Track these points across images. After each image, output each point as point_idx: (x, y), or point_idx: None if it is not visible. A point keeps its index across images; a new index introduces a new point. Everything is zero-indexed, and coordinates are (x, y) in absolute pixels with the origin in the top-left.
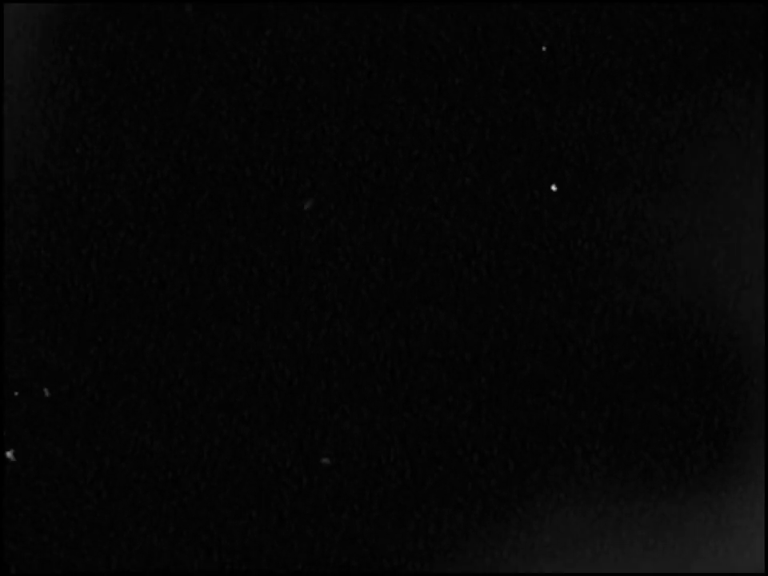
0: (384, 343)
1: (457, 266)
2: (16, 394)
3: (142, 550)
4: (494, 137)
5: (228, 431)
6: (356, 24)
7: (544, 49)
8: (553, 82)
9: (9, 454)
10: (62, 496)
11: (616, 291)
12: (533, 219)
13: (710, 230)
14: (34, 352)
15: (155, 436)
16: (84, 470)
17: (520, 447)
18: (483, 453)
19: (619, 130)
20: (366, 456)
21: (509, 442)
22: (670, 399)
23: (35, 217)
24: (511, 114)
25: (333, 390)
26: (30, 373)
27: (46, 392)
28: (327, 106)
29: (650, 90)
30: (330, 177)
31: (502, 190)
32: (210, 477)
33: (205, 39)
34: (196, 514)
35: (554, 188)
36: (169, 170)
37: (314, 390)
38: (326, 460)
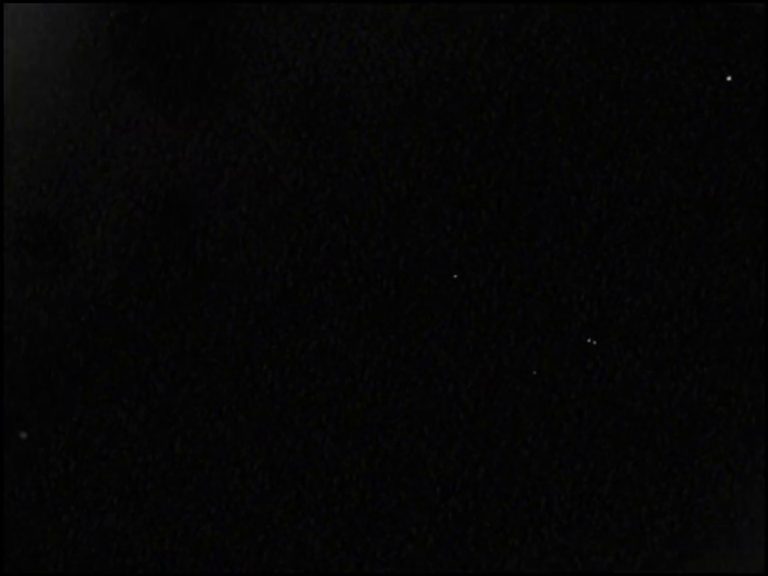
0: (378, 356)
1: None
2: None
3: (140, 550)
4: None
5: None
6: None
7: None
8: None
9: (22, 435)
10: (64, 498)
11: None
12: (531, 220)
13: (710, 228)
14: (38, 358)
15: (154, 434)
16: (88, 475)
17: (521, 436)
18: (487, 444)
19: (617, 129)
20: (365, 460)
21: (512, 431)
22: (671, 393)
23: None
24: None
25: (329, 398)
26: (34, 378)
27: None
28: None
29: (649, 88)
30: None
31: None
32: (208, 478)
33: (209, 42)
34: (193, 515)
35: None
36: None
37: (313, 397)
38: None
